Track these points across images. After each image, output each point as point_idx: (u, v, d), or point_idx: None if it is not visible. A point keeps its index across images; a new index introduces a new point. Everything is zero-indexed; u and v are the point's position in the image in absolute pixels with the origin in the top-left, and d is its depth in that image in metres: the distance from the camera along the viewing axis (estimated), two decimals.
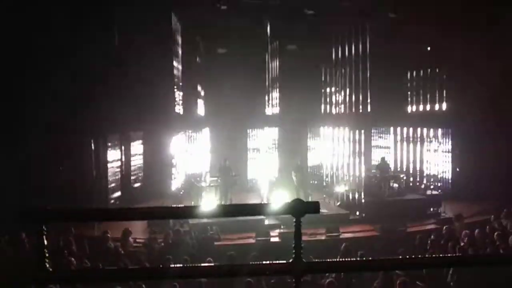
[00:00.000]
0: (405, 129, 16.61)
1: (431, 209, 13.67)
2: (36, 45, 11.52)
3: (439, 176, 15.84)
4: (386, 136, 17.33)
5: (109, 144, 14.10)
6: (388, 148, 17.05)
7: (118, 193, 14.46)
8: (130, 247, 9.79)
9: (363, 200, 13.84)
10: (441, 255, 2.11)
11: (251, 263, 1.84)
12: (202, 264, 1.81)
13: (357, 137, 15.25)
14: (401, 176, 15.50)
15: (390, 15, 15.11)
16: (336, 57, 16.78)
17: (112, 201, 13.97)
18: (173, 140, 15.32)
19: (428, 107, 16.05)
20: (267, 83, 17.58)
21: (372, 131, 17.00)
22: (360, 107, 15.86)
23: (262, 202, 12.65)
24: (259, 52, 17.04)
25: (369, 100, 15.66)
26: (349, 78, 16.07)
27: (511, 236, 8.75)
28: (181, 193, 14.90)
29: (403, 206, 13.29)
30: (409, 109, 16.73)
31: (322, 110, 17.54)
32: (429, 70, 15.65)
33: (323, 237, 11.23)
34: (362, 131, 15.17)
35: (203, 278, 6.72)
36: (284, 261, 1.67)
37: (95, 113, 12.51)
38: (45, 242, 1.62)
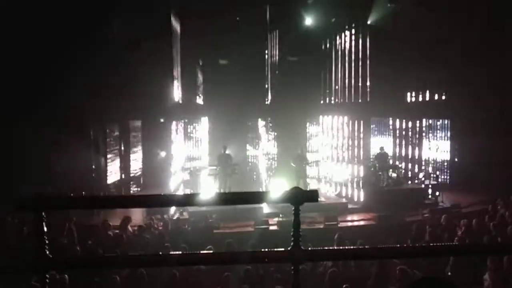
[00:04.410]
0: (404, 119, 16.59)
1: (429, 199, 13.73)
2: (34, 37, 11.46)
3: (437, 166, 15.88)
4: (385, 126, 17.32)
5: (108, 132, 14.09)
6: (387, 137, 17.05)
7: (117, 182, 14.49)
8: (130, 234, 9.83)
9: (361, 189, 13.88)
10: (438, 244, 2.14)
11: (250, 250, 1.86)
12: (202, 252, 1.82)
13: (356, 126, 15.27)
14: (400, 165, 15.53)
15: (389, 5, 15.01)
16: (335, 46, 16.71)
17: (111, 189, 14.00)
18: (172, 128, 15.30)
19: (427, 97, 16.02)
20: (266, 73, 17.51)
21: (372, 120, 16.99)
22: (360, 96, 15.85)
23: (261, 191, 12.68)
24: (259, 41, 16.94)
25: (368, 90, 15.63)
26: (349, 67, 16.03)
27: (509, 226, 8.80)
28: (180, 181, 14.92)
29: (401, 196, 13.33)
30: (408, 99, 16.70)
31: (322, 100, 17.50)
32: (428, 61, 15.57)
33: (321, 226, 11.28)
34: (361, 120, 15.18)
35: (203, 265, 6.77)
36: (283, 249, 1.68)
37: (94, 102, 12.47)
38: (45, 229, 1.63)
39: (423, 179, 15.34)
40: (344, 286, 6.05)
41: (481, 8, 13.65)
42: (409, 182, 15.49)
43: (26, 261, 1.65)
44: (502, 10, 13.38)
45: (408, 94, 16.53)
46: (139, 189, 15.25)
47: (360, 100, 15.98)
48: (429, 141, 16.10)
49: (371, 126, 16.53)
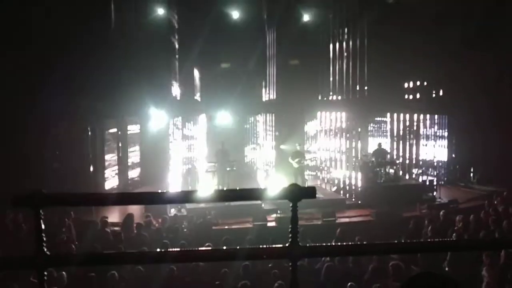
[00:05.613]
0: (401, 115, 16.60)
1: (427, 195, 13.76)
2: (34, 31, 11.41)
3: (434, 162, 15.91)
4: (382, 122, 17.33)
5: (106, 129, 14.07)
6: (385, 133, 17.07)
7: (115, 178, 14.48)
8: (132, 232, 9.81)
9: (359, 186, 13.89)
10: (435, 240, 2.14)
11: (248, 247, 1.86)
12: (200, 248, 1.83)
13: (353, 122, 15.27)
14: (397, 162, 15.56)
15: (388, 0, 14.99)
16: (333, 42, 16.68)
17: (109, 186, 13.98)
18: (170, 125, 15.27)
19: (425, 93, 16.02)
20: (264, 69, 17.48)
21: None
22: (357, 92, 15.83)
23: (259, 187, 12.67)
24: (257, 38, 16.91)
25: (366, 86, 15.62)
26: (347, 63, 16.01)
27: (505, 221, 8.84)
28: (179, 178, 14.91)
29: (399, 192, 13.36)
30: (406, 95, 16.71)
31: (320, 96, 17.49)
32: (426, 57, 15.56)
33: (319, 222, 11.31)
34: (359, 116, 15.17)
35: (201, 262, 6.77)
36: (281, 245, 1.68)
37: (91, 98, 12.45)
38: (43, 226, 1.63)
39: (420, 175, 15.37)
40: (348, 284, 6.06)
41: (480, 2, 13.64)
42: (407, 178, 15.52)
43: (24, 258, 1.65)
44: (501, 3, 13.37)
45: (406, 90, 16.53)
46: (137, 185, 15.24)
47: (358, 96, 15.97)
48: (427, 137, 16.12)
49: (369, 121, 16.56)
